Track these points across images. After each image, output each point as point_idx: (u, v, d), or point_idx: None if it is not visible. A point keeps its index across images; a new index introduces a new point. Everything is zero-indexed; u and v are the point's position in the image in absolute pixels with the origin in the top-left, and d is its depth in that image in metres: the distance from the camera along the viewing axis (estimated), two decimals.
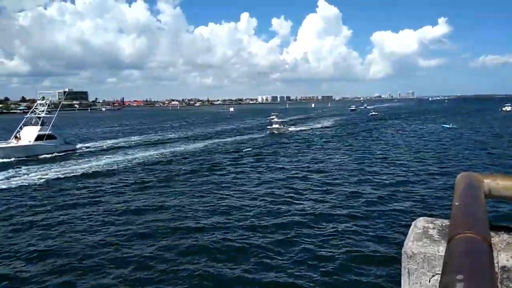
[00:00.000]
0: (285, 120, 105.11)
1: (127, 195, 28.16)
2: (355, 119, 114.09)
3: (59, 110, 59.19)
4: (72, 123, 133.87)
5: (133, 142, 64.42)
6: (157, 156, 47.23)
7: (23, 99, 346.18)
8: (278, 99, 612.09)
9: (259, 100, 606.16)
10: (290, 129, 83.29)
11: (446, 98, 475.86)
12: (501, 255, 1.59)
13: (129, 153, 51.04)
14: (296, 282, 14.38)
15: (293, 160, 41.76)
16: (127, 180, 33.41)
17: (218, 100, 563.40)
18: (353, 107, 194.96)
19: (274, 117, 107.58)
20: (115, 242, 18.50)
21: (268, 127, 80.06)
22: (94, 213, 23.74)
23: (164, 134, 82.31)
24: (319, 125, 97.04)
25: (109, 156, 48.66)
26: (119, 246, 18.07)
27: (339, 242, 17.83)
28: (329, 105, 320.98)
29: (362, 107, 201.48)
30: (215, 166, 38.91)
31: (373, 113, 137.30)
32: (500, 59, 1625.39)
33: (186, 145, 58.80)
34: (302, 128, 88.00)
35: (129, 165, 41.29)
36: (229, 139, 66.85)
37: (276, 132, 75.12)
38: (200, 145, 58.62)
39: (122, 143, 62.96)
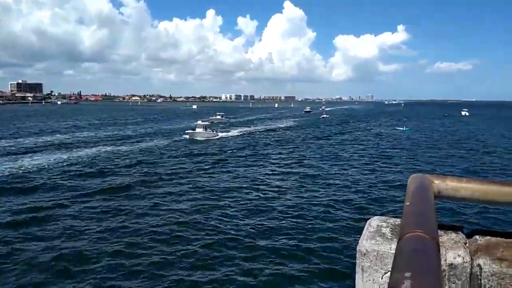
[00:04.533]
0: (223, 121, 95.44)
1: None
2: (304, 125, 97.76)
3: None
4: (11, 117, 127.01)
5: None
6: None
7: None
8: (242, 97, 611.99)
9: (223, 98, 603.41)
10: (222, 134, 67.07)
11: (402, 102, 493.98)
12: (448, 253, 1.66)
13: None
14: (250, 279, 14.47)
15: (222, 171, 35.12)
16: None
17: (181, 97, 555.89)
18: (307, 109, 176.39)
19: (219, 117, 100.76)
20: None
21: (188, 131, 62.83)
22: None
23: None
24: (261, 128, 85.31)
25: None
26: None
27: (295, 242, 18.06)
28: (292, 105, 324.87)
29: (320, 109, 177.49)
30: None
31: (325, 115, 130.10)
32: (454, 66, 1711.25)
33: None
34: (234, 134, 71.43)
35: None
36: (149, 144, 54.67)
37: (198, 138, 59.51)
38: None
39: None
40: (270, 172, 35.09)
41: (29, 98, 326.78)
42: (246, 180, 31.70)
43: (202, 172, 34.90)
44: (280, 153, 46.87)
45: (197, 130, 62.00)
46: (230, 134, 70.13)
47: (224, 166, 37.84)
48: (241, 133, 73.62)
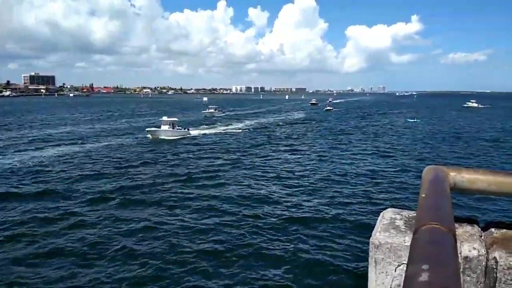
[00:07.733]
0: (217, 114, 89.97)
1: None
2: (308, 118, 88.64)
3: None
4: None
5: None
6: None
7: None
8: (253, 89, 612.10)
9: (233, 90, 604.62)
10: (195, 132, 55.76)
11: (415, 93, 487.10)
12: (464, 246, 1.64)
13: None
14: (267, 275, 14.54)
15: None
16: None
17: (191, 89, 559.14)
18: (313, 101, 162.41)
19: (212, 110, 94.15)
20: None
21: (149, 129, 51.39)
22: None
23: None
24: (256, 123, 76.53)
25: None
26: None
27: (309, 232, 18.06)
28: (303, 97, 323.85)
29: (328, 101, 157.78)
30: None
31: (328, 108, 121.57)
32: (469, 57, 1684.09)
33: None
34: (219, 131, 60.34)
35: None
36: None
37: (163, 137, 49.04)
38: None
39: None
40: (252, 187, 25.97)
41: (42, 90, 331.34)
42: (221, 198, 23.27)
43: (152, 189, 25.19)
44: (271, 157, 37.83)
45: (162, 127, 51.04)
46: (213, 131, 59.30)
47: (184, 184, 26.50)
48: (233, 129, 62.48)
